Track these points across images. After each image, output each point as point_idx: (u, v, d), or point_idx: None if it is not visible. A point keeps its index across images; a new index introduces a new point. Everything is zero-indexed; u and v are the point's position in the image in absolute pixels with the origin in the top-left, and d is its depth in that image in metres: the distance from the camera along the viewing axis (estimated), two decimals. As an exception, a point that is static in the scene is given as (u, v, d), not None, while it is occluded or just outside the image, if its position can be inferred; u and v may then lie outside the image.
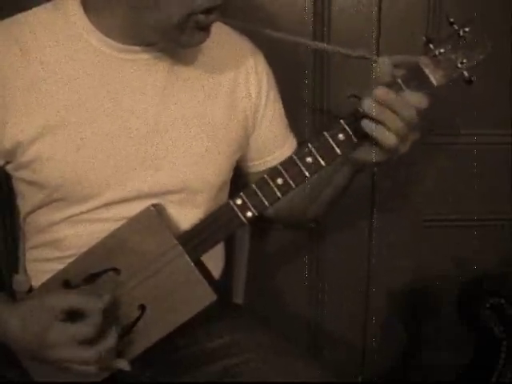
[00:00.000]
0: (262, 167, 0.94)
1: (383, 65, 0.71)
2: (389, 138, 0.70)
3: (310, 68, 1.22)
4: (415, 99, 0.69)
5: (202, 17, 0.72)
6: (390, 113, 0.69)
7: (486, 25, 1.16)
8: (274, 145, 0.93)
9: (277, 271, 1.36)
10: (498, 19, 1.18)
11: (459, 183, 1.31)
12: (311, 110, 1.25)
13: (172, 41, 0.75)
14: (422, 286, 1.38)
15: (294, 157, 0.74)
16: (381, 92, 0.69)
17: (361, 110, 0.71)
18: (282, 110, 0.94)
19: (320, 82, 1.23)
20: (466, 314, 1.17)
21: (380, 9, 1.18)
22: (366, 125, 0.70)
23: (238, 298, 1.07)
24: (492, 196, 1.32)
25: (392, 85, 0.70)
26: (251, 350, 0.84)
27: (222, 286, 0.96)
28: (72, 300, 0.73)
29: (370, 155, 0.74)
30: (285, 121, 0.95)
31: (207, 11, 0.72)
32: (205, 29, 0.74)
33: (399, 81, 0.70)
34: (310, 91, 1.23)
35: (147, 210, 0.79)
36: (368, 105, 0.69)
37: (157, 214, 0.79)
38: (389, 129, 0.69)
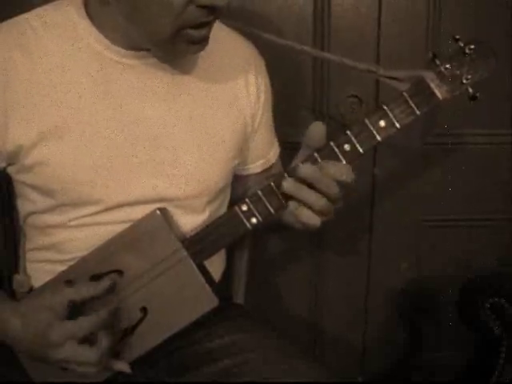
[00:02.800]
0: (251, 171, 0.95)
1: (316, 129, 0.71)
2: (311, 219, 0.71)
3: (309, 68, 1.22)
4: (338, 171, 0.69)
5: (192, 31, 0.71)
6: (313, 194, 0.69)
7: (485, 26, 1.16)
8: (264, 150, 0.95)
9: (277, 271, 1.36)
10: (497, 19, 1.18)
11: (459, 183, 1.31)
12: (311, 112, 1.25)
13: (166, 52, 0.75)
14: (422, 286, 1.39)
15: (300, 165, 0.74)
16: (305, 170, 0.69)
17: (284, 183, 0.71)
18: (272, 118, 0.95)
19: (320, 82, 1.23)
20: (466, 313, 1.17)
21: (380, 9, 1.18)
22: (291, 205, 0.72)
23: (239, 299, 1.07)
24: (492, 196, 1.32)
25: (323, 149, 0.71)
26: (251, 350, 0.84)
27: (223, 287, 0.96)
28: (70, 293, 0.73)
29: (293, 222, 0.77)
30: (273, 127, 0.96)
31: (199, 26, 0.71)
32: (197, 42, 0.74)
33: (316, 155, 0.70)
34: (310, 92, 1.23)
35: (153, 213, 0.79)
36: (288, 186, 0.70)
37: (162, 218, 0.79)
38: (312, 209, 0.70)
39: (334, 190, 0.69)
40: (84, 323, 0.72)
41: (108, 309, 0.74)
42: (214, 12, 0.70)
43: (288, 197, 0.74)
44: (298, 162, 0.72)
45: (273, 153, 0.96)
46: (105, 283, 0.75)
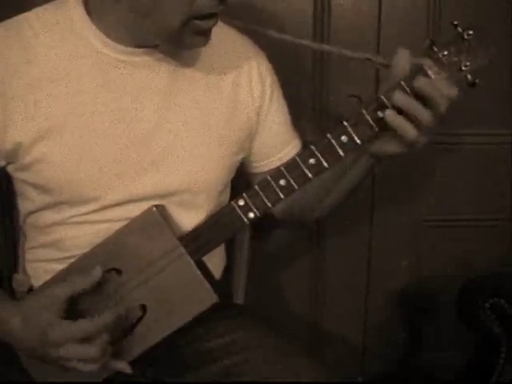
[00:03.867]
0: (267, 168, 0.93)
1: (402, 57, 0.71)
2: (411, 131, 0.70)
3: (309, 68, 1.22)
4: (445, 87, 0.69)
5: (200, 22, 0.72)
6: (417, 104, 0.69)
7: (486, 24, 1.16)
8: (278, 146, 0.93)
9: (277, 271, 1.36)
10: (497, 18, 1.18)
11: (459, 183, 1.31)
12: (311, 110, 1.25)
13: (173, 44, 0.76)
14: (421, 285, 1.39)
15: (297, 158, 0.74)
16: (421, 81, 0.69)
17: (384, 100, 0.70)
18: (287, 111, 0.94)
19: (320, 81, 1.23)
20: (466, 313, 1.17)
21: (380, 9, 1.18)
22: (390, 116, 0.70)
23: (239, 298, 1.07)
24: (492, 196, 1.32)
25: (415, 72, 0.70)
26: (251, 350, 0.84)
27: (223, 285, 0.96)
28: (64, 289, 0.73)
29: (387, 147, 0.75)
30: (289, 122, 0.94)
31: (206, 17, 0.72)
32: (204, 33, 0.74)
33: (426, 67, 0.70)
34: (310, 91, 1.23)
35: (149, 210, 0.79)
36: (399, 97, 0.69)
37: (159, 215, 0.79)
38: (413, 121, 0.70)
39: (443, 101, 0.70)
40: (87, 327, 0.72)
41: (112, 312, 0.73)
42: (222, 3, 0.71)
43: (286, 192, 0.74)
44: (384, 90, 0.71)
45: (289, 149, 0.93)
46: (96, 273, 0.75)
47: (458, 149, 1.29)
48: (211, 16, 0.72)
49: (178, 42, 0.74)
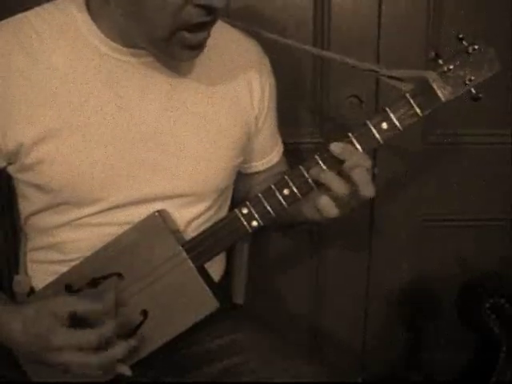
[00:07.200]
0: (250, 170, 0.95)
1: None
2: (329, 207, 0.74)
3: (309, 68, 1.22)
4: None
5: (189, 35, 0.70)
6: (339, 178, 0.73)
7: (486, 27, 1.16)
8: (266, 150, 0.95)
9: (277, 272, 1.36)
10: (497, 18, 1.18)
11: (459, 183, 1.31)
12: (311, 111, 1.25)
13: (162, 53, 0.75)
14: (421, 286, 1.38)
15: (301, 168, 0.74)
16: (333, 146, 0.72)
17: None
18: (277, 115, 0.95)
19: (320, 82, 1.23)
20: (466, 313, 1.17)
21: (380, 9, 1.18)
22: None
23: (239, 299, 1.07)
24: (492, 196, 1.32)
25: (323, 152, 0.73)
26: (251, 350, 0.84)
27: (223, 286, 0.96)
28: (75, 304, 0.73)
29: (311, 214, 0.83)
30: (277, 126, 0.96)
31: (196, 28, 0.70)
32: (193, 47, 0.72)
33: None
34: (310, 92, 1.23)
35: (152, 216, 0.79)
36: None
37: (161, 221, 0.78)
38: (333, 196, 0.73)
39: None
40: (89, 336, 0.70)
41: (114, 321, 0.72)
42: (211, 13, 0.69)
43: (290, 201, 0.75)
44: None
45: (276, 151, 0.97)
46: (110, 301, 0.74)
47: (458, 149, 1.29)
48: (200, 27, 0.70)
49: (167, 52, 0.72)
